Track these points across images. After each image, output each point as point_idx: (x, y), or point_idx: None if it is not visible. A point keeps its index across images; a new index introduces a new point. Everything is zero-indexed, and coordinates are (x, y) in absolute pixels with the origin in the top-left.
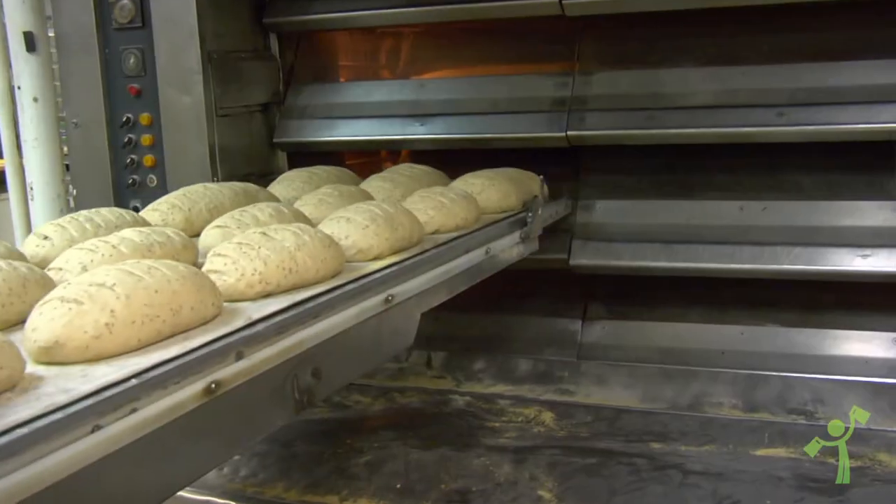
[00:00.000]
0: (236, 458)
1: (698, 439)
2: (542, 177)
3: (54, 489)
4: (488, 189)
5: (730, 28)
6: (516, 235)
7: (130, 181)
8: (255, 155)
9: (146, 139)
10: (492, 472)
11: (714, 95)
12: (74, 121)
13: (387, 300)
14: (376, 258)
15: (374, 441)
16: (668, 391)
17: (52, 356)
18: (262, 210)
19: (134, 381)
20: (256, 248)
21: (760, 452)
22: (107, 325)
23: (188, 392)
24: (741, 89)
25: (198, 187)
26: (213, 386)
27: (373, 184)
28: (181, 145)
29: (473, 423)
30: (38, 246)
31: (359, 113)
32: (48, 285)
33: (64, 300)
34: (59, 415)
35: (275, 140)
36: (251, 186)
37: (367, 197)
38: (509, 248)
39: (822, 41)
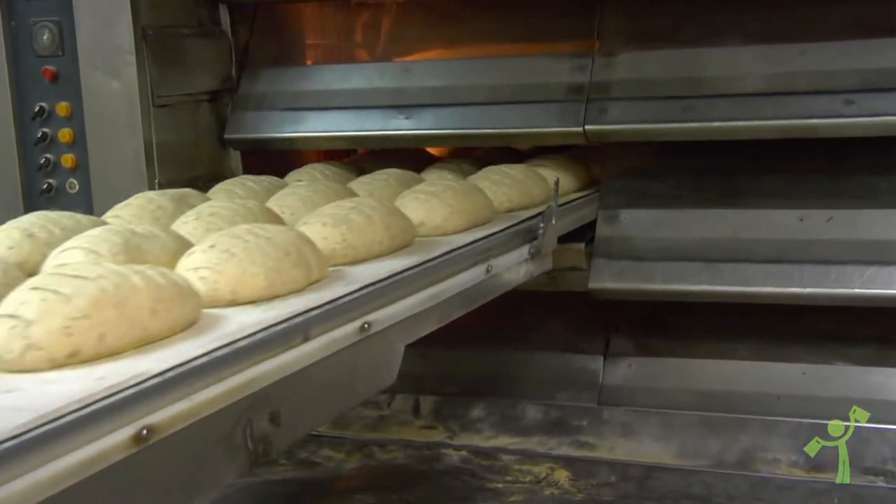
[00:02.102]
0: None
1: None
2: (557, 179)
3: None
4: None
5: None
6: (524, 250)
7: (45, 186)
8: (203, 154)
9: (64, 134)
10: None
11: (767, 80)
12: None
13: (362, 328)
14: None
15: None
16: (712, 444)
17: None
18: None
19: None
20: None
21: None
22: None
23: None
24: (800, 72)
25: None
26: (145, 433)
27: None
28: (109, 142)
29: (471, 483)
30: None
31: (329, 103)
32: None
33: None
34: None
35: (226, 136)
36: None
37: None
38: (516, 266)
39: None
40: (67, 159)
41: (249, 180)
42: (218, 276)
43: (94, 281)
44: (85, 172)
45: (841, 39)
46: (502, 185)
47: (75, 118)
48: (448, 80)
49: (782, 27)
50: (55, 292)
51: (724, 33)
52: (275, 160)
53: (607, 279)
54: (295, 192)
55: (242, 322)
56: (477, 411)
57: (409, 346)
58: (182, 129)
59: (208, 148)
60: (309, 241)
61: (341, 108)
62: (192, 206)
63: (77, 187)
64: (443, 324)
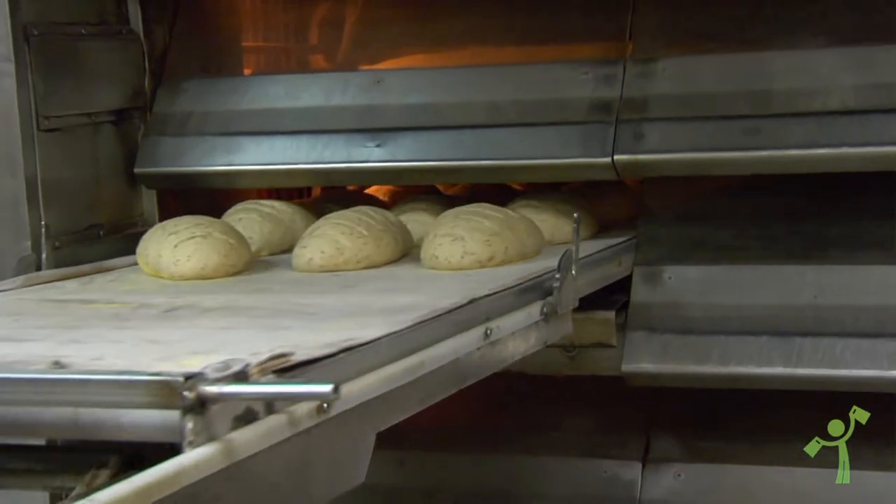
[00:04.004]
0: None
1: None
2: (577, 215)
3: None
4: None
5: None
6: (535, 310)
7: None
8: (105, 194)
9: None
10: None
11: (858, 93)
12: None
13: (320, 409)
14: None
15: None
16: None
17: None
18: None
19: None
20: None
21: None
22: None
23: None
24: None
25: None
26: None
27: None
28: None
29: None
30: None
31: (275, 126)
32: None
33: None
34: None
35: (137, 170)
36: None
37: None
38: (524, 331)
39: None
40: None
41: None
42: None
43: (492, 213)
44: None
45: None
46: None
47: None
48: (433, 96)
49: (878, 23)
50: (474, 220)
51: (801, 31)
52: (201, 202)
53: (646, 359)
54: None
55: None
56: None
57: (383, 448)
58: (77, 161)
59: (113, 186)
60: (530, 221)
61: (291, 132)
62: None
63: None
64: (426, 405)
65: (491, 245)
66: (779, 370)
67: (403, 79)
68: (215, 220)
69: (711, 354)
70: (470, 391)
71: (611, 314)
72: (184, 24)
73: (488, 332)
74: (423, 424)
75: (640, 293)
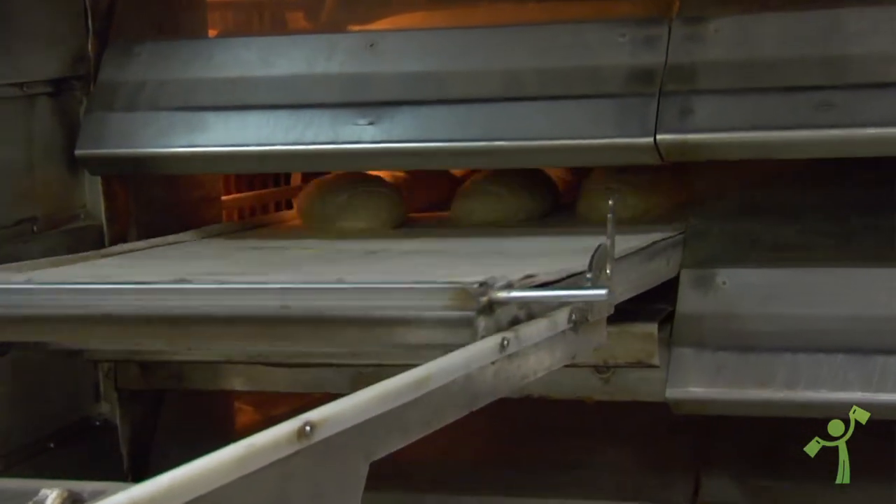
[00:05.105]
0: None
1: None
2: (611, 202)
3: None
4: None
5: None
6: (562, 316)
7: None
8: (41, 181)
9: None
10: None
11: None
12: None
13: (302, 433)
14: None
15: None
16: None
17: None
18: None
19: None
20: None
21: None
22: None
23: None
24: None
25: None
26: None
27: None
28: None
29: None
30: None
31: (246, 100)
32: None
33: None
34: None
35: (78, 152)
36: None
37: None
38: (547, 342)
39: None
40: None
41: None
42: None
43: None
44: None
45: None
46: None
47: None
48: (437, 63)
49: None
50: (626, 174)
51: None
52: (157, 190)
53: (695, 382)
54: None
55: None
56: None
57: (376, 489)
58: (6, 142)
59: (49, 171)
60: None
61: (265, 107)
62: None
63: None
64: (430, 430)
65: (647, 199)
66: (857, 395)
67: (401, 42)
68: (371, 175)
69: (775, 376)
70: (483, 419)
71: (653, 327)
72: None
73: (505, 342)
74: (426, 457)
75: (688, 301)
